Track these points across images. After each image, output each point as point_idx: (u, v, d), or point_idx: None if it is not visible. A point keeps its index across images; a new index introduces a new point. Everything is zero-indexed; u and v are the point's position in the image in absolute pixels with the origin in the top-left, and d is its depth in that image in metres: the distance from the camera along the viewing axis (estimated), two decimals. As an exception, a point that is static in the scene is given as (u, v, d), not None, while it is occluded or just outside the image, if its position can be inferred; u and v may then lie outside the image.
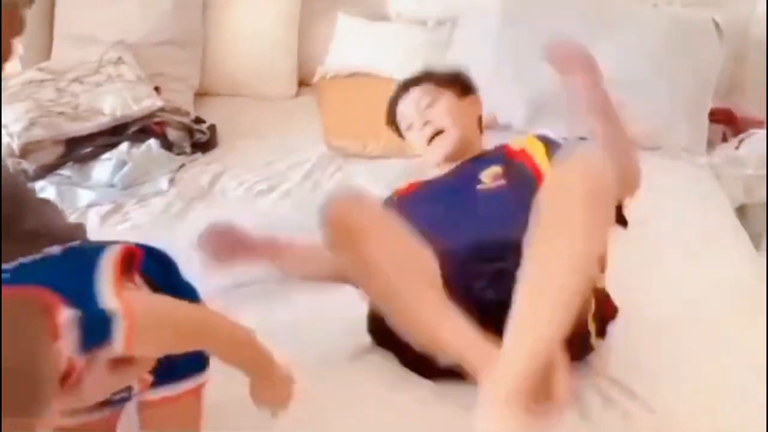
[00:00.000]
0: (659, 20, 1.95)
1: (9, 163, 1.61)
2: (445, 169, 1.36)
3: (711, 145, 1.98)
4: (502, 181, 1.24)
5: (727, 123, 2.05)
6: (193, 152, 1.80)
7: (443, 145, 1.35)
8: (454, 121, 1.37)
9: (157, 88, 1.85)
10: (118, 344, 0.70)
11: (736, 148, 1.97)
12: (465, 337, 0.93)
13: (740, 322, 1.27)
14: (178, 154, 1.76)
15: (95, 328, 0.70)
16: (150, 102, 1.76)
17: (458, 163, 1.35)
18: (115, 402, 0.85)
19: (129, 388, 0.85)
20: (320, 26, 2.20)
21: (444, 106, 1.38)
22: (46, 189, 1.58)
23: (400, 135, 1.48)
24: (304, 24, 2.18)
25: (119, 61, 1.82)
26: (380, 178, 1.69)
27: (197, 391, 0.90)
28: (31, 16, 2.20)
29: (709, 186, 1.82)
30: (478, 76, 1.98)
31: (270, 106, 2.10)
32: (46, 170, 1.62)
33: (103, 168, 1.63)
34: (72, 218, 1.52)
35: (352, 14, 2.19)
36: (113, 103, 1.71)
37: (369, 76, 2.10)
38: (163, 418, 0.88)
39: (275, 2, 2.12)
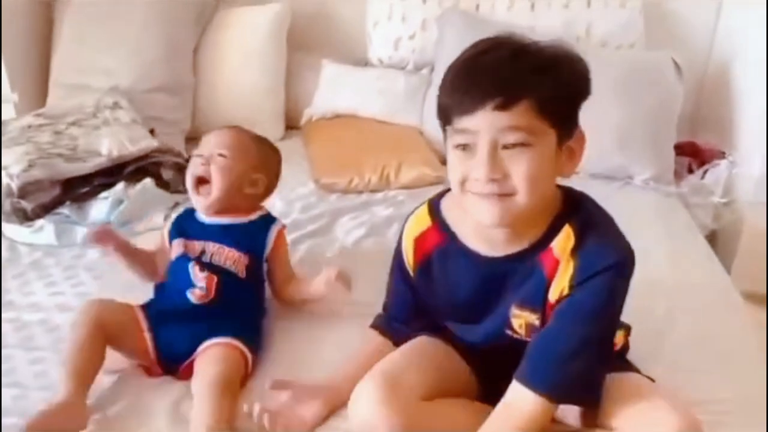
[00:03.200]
0: (623, 61, 2.09)
1: (8, 203, 1.66)
2: (479, 242, 1.02)
3: (678, 175, 2.07)
4: (533, 335, 1.01)
5: (692, 155, 2.16)
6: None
7: (499, 214, 0.93)
8: (535, 186, 0.91)
9: (152, 130, 1.91)
10: None
11: (702, 177, 2.09)
12: None
13: (715, 347, 1.30)
14: (173, 193, 1.80)
15: None
16: (146, 143, 1.82)
17: (496, 242, 1.00)
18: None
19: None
20: (305, 72, 2.30)
21: (533, 161, 0.90)
22: (45, 227, 1.63)
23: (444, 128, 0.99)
24: (291, 70, 2.28)
25: (116, 105, 1.89)
26: (366, 220, 1.75)
27: (239, 351, 1.19)
28: (27, 65, 2.30)
29: (679, 214, 1.89)
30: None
31: (258, 148, 2.18)
32: (44, 209, 1.66)
33: (100, 206, 1.67)
34: (71, 255, 1.57)
35: (336, 61, 2.31)
36: (110, 144, 1.76)
37: (353, 118, 2.19)
38: (212, 354, 1.17)
39: (263, 50, 2.21)
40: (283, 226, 1.39)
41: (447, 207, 1.07)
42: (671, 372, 1.18)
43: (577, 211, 0.99)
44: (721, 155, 2.11)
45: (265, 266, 1.35)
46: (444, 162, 2.00)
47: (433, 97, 2.15)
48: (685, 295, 1.47)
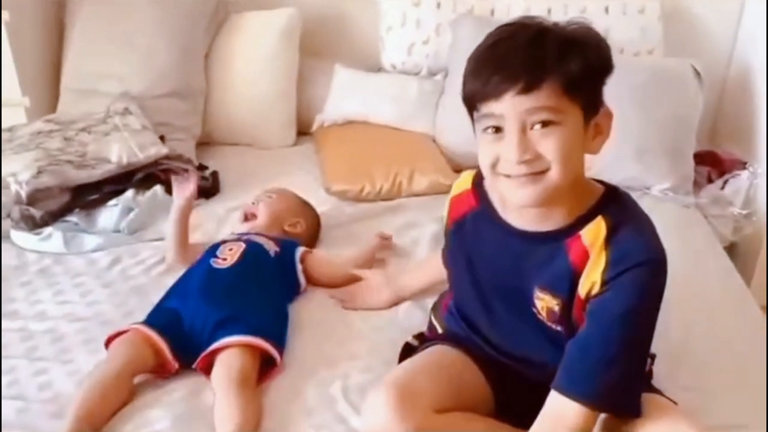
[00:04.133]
0: (641, 68, 2.04)
1: (17, 210, 1.65)
2: (511, 215, 1.03)
3: (697, 186, 2.04)
4: (559, 327, 1.01)
5: (712, 165, 2.12)
6: (197, 198, 1.84)
7: (534, 194, 0.93)
8: (567, 161, 0.92)
9: (162, 137, 1.90)
10: None
11: (722, 188, 2.04)
12: None
13: (734, 364, 1.29)
14: (182, 200, 1.79)
15: None
16: (155, 150, 1.80)
17: (528, 218, 1.01)
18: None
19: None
20: (317, 78, 2.28)
21: (562, 138, 0.90)
22: (53, 235, 1.62)
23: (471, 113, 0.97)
24: (303, 76, 2.26)
25: (126, 111, 1.87)
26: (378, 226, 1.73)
27: (254, 349, 1.20)
28: (39, 69, 2.29)
29: (698, 225, 1.86)
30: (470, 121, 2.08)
31: (269, 155, 2.16)
32: (53, 217, 1.65)
33: (109, 214, 1.66)
34: (80, 263, 1.56)
35: (349, 66, 2.28)
36: (119, 151, 1.75)
37: (365, 124, 2.16)
38: (226, 356, 1.18)
39: (274, 55, 2.18)
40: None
41: None
42: (688, 389, 1.17)
43: (615, 205, 0.99)
44: (742, 165, 2.06)
45: (299, 267, 1.45)
46: (457, 170, 2.02)
47: (447, 104, 2.16)
48: (704, 308, 1.45)
